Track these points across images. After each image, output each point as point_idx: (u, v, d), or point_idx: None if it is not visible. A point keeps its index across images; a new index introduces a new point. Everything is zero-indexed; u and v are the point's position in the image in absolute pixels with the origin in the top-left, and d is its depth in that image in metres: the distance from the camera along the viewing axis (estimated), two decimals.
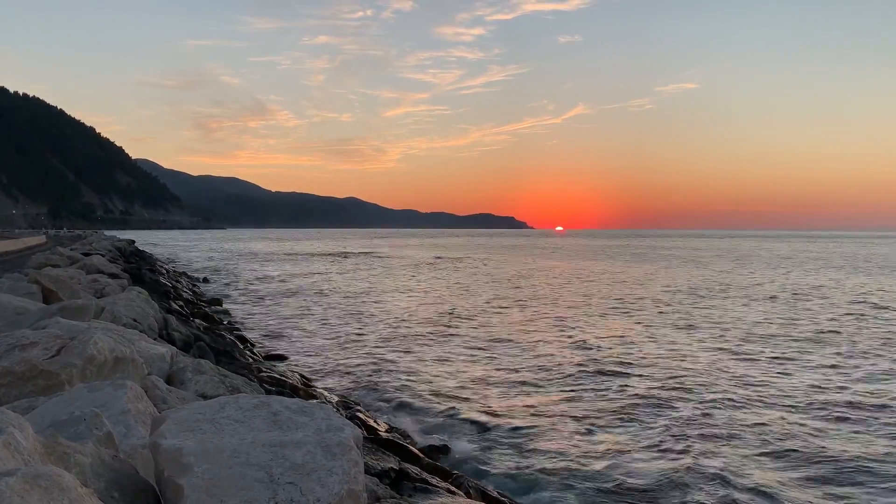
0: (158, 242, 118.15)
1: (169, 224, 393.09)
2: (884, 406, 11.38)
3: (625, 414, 10.83)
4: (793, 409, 11.13)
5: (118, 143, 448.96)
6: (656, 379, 13.32)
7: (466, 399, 11.75)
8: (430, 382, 13.00)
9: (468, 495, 6.18)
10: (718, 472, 8.20)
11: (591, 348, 16.86)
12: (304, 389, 10.12)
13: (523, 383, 13.02)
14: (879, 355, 15.98)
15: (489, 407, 11.23)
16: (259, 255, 74.19)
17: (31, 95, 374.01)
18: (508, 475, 8.12)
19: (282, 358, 15.31)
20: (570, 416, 10.69)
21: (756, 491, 7.68)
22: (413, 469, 6.19)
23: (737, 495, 7.56)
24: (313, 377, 13.21)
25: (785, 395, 12.06)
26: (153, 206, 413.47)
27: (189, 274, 42.18)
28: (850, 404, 11.44)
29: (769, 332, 19.57)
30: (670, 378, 13.39)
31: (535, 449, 9.12)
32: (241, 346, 14.03)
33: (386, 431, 8.70)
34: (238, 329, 18.62)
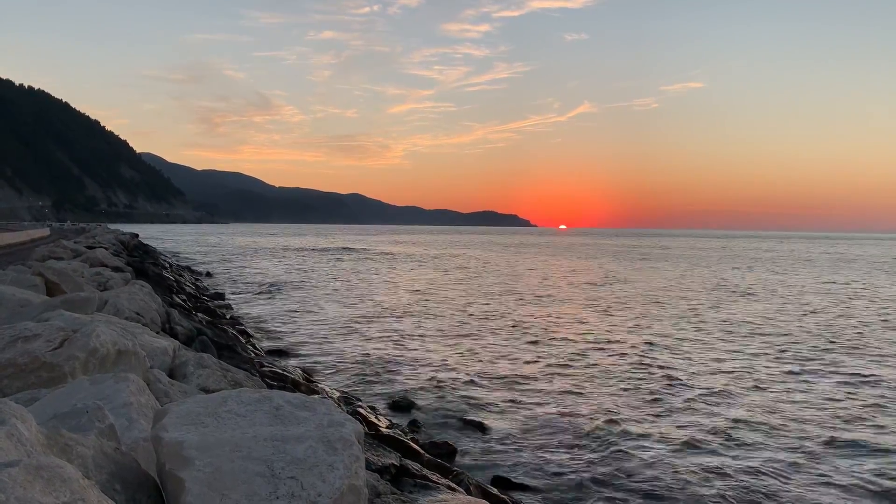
0: (162, 236, 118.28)
1: (172, 218, 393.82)
2: None
3: (642, 415, 10.76)
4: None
5: (123, 137, 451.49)
6: (684, 378, 13.32)
7: (470, 396, 11.75)
8: (434, 379, 13.00)
9: (468, 492, 6.18)
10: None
11: (609, 345, 16.86)
12: (305, 384, 10.13)
13: (533, 381, 13.00)
14: None
15: (494, 405, 11.23)
16: (261, 250, 74.27)
17: (36, 88, 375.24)
18: (510, 474, 8.12)
19: (284, 353, 15.33)
20: (578, 416, 10.67)
21: None
22: (414, 465, 6.19)
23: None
24: (315, 372, 13.23)
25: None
26: (157, 200, 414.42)
27: (192, 268, 42.25)
28: None
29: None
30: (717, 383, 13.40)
31: (539, 447, 9.11)
32: (244, 341, 14.05)
33: (387, 427, 8.71)
34: (240, 323, 18.65)
